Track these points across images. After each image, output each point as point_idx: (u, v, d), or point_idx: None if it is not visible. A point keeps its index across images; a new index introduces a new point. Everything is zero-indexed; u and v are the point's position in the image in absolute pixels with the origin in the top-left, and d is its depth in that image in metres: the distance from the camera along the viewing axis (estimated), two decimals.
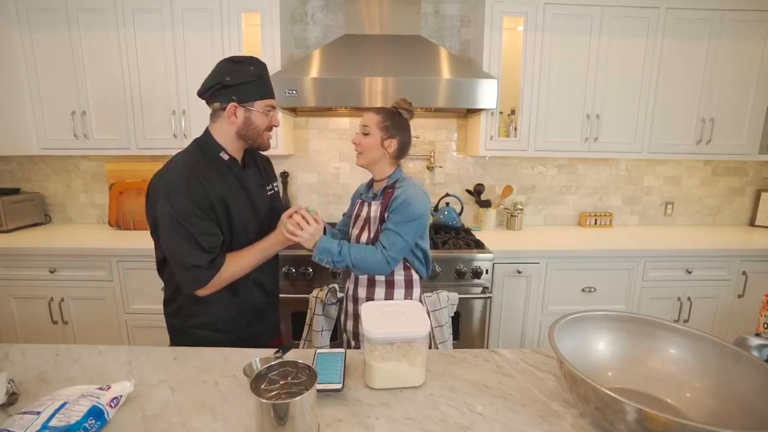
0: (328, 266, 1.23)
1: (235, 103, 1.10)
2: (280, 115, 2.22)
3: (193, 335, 1.19)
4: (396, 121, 1.29)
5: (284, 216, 1.20)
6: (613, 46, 2.22)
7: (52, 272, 2.05)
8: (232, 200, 1.14)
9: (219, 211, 1.11)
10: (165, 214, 1.05)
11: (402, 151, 1.32)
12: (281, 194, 1.39)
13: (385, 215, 1.27)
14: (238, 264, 1.13)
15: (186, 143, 2.18)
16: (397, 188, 1.28)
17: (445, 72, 2.04)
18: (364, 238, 1.32)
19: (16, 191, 2.50)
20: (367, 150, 1.29)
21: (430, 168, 2.60)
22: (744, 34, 2.24)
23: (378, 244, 1.24)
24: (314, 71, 2.00)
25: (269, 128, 1.18)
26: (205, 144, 1.16)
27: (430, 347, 1.38)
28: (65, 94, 2.19)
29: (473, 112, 2.32)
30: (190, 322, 1.20)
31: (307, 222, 1.17)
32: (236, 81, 1.09)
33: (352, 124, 2.56)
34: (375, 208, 1.31)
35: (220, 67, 1.11)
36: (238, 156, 1.20)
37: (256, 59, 1.15)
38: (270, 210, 1.28)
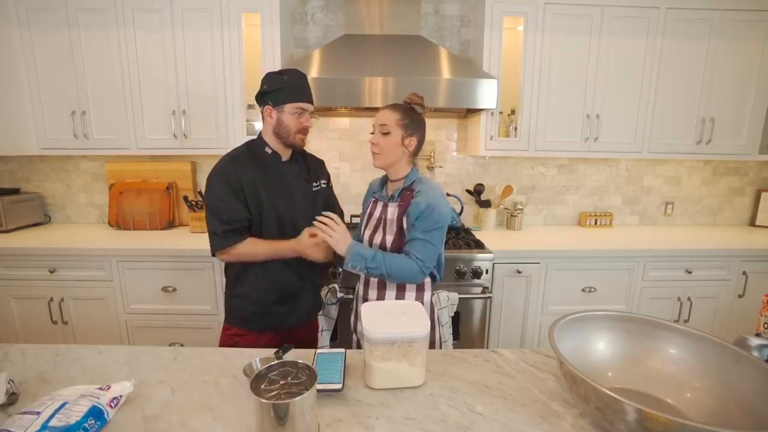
0: (360, 273, 1.21)
1: (269, 106, 1.30)
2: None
3: (232, 303, 1.41)
4: (414, 118, 1.25)
5: (305, 231, 1.30)
6: (613, 46, 2.22)
7: (51, 272, 2.05)
8: (264, 185, 1.32)
9: (248, 193, 1.30)
10: (206, 193, 1.33)
11: (419, 148, 1.28)
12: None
13: (404, 219, 1.23)
14: (251, 248, 1.31)
15: (186, 143, 2.21)
16: (417, 191, 1.23)
17: (445, 72, 2.04)
18: (377, 239, 1.28)
19: (16, 191, 2.49)
20: (387, 150, 1.24)
21: (430, 168, 2.60)
22: (744, 35, 2.24)
23: (411, 255, 1.20)
24: (314, 71, 2.00)
25: (301, 130, 1.33)
26: (255, 141, 1.39)
27: (433, 347, 1.35)
28: (65, 94, 2.19)
29: (473, 112, 2.32)
30: (233, 292, 1.41)
31: (336, 222, 1.21)
32: (271, 88, 1.29)
33: (352, 124, 2.56)
34: (393, 210, 1.26)
35: (262, 79, 1.33)
36: (283, 152, 1.38)
37: (293, 70, 1.33)
38: (313, 201, 1.45)
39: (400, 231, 1.25)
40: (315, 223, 1.23)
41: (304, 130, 1.34)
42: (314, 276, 1.49)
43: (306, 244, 1.30)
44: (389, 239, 1.26)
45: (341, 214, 1.59)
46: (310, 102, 1.33)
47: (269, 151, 1.36)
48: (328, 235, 1.19)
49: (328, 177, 1.57)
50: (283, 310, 1.40)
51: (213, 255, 1.33)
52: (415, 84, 1.98)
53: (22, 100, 2.19)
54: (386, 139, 1.23)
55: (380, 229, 1.28)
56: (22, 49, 2.15)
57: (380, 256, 1.20)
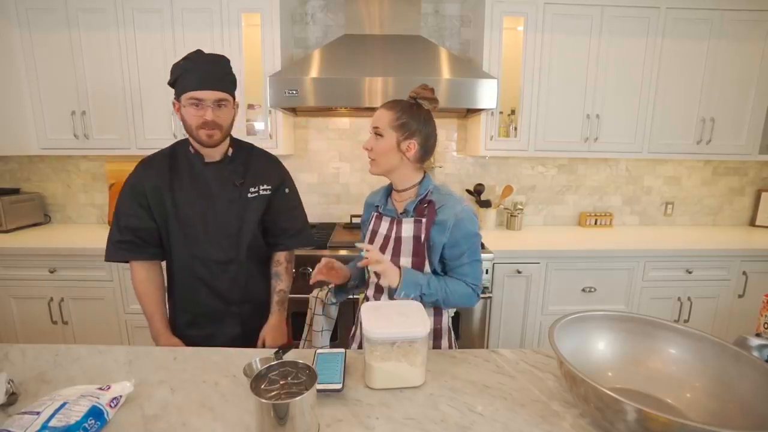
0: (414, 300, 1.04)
1: (174, 100, 1.15)
2: (280, 116, 2.22)
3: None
4: (415, 116, 1.06)
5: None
6: (613, 46, 2.22)
7: (51, 272, 2.05)
8: (170, 191, 1.18)
9: (151, 200, 1.18)
10: None
11: (426, 151, 1.09)
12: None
13: (423, 236, 1.08)
14: (136, 280, 1.25)
15: None
16: (439, 205, 1.08)
17: (445, 72, 2.04)
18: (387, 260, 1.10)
19: (16, 191, 2.49)
20: (381, 155, 1.06)
21: (430, 168, 2.60)
22: (744, 35, 2.24)
23: (464, 280, 1.09)
24: (314, 71, 2.00)
25: (203, 125, 1.11)
26: (183, 141, 1.24)
27: (450, 347, 1.23)
28: (65, 94, 2.19)
29: (473, 112, 2.32)
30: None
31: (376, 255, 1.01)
32: (173, 79, 1.13)
33: (352, 124, 2.56)
34: (408, 227, 1.09)
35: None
36: (207, 152, 1.19)
37: (194, 53, 1.14)
38: (243, 209, 1.23)
39: (418, 252, 1.08)
40: (364, 253, 1.03)
41: (206, 125, 1.10)
42: (239, 299, 1.26)
43: (162, 342, 1.20)
44: (404, 261, 1.08)
45: (297, 228, 1.37)
46: (212, 89, 1.09)
47: (192, 151, 1.20)
48: (378, 264, 1.00)
49: (279, 181, 1.30)
50: (198, 334, 1.23)
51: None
52: (415, 84, 1.97)
53: (22, 100, 2.19)
54: (379, 142, 1.06)
55: (389, 250, 1.11)
56: (22, 49, 2.15)
57: (435, 281, 1.05)
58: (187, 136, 1.19)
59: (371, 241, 1.16)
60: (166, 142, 2.18)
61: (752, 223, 2.75)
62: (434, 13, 2.47)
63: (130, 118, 2.20)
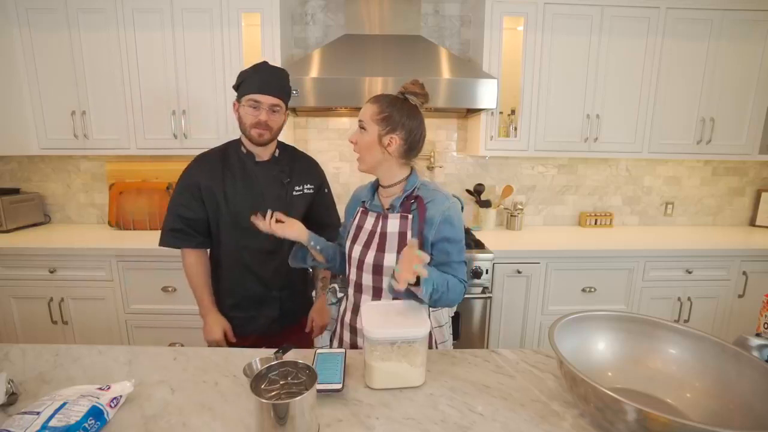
0: (424, 299, 0.95)
1: (235, 101, 1.28)
2: None
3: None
4: (399, 110, 1.03)
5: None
6: (613, 46, 2.22)
7: (52, 272, 2.05)
8: (222, 189, 1.29)
9: (205, 195, 1.30)
10: None
11: (411, 147, 1.06)
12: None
13: (409, 234, 1.06)
14: (187, 266, 1.35)
15: (186, 143, 2.21)
16: (427, 201, 1.06)
17: (445, 72, 2.04)
18: (370, 258, 1.08)
19: (16, 191, 2.49)
20: (364, 150, 1.07)
21: (430, 168, 2.60)
22: (744, 35, 2.24)
23: (456, 275, 1.06)
24: (314, 71, 2.00)
25: (256, 125, 1.24)
26: (234, 141, 1.36)
27: (429, 347, 1.28)
28: (65, 94, 2.19)
29: (473, 112, 2.32)
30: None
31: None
32: (237, 83, 1.27)
33: (352, 124, 2.56)
34: (394, 223, 1.07)
35: None
36: (259, 152, 1.32)
37: (262, 63, 1.28)
38: (289, 207, 1.34)
39: (403, 248, 1.04)
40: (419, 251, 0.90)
41: (259, 125, 1.23)
42: (280, 284, 1.39)
43: (209, 330, 1.31)
44: (389, 258, 1.05)
45: (336, 223, 1.48)
46: (269, 94, 1.22)
47: (244, 151, 1.32)
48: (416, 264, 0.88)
49: (320, 181, 1.46)
50: (242, 315, 1.36)
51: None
52: None
53: (22, 100, 2.19)
54: (363, 136, 1.06)
55: (374, 246, 1.08)
56: (22, 49, 2.15)
57: (438, 274, 0.98)
58: (239, 135, 1.32)
59: (356, 236, 1.14)
60: (167, 142, 2.21)
61: (752, 223, 2.75)
62: (434, 13, 2.47)
63: (130, 118, 2.20)
